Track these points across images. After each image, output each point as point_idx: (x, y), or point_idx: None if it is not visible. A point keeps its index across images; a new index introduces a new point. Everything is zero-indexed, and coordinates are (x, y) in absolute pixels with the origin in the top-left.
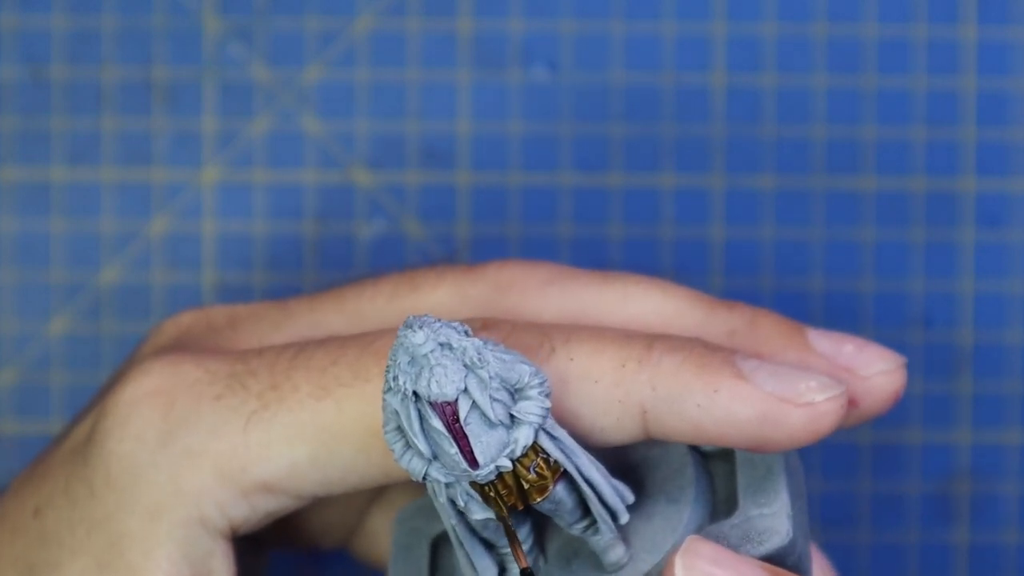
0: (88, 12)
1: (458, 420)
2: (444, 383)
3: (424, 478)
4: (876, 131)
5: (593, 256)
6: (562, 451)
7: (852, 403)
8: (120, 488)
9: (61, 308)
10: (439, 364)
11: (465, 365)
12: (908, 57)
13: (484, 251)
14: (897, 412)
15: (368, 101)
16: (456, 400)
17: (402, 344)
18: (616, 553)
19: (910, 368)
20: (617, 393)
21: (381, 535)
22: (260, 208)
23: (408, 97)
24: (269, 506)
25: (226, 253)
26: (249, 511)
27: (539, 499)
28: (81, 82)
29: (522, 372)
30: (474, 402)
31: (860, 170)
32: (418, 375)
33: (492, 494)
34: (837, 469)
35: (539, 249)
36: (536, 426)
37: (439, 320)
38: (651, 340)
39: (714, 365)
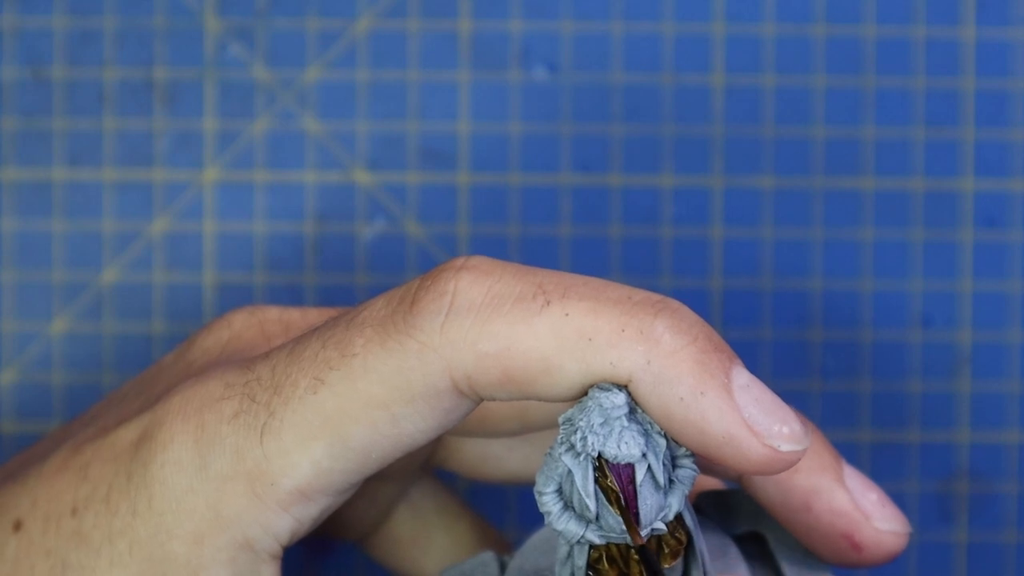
0: (89, 13)
1: (633, 482)
2: (632, 445)
3: (579, 541)
4: (875, 131)
5: (593, 256)
6: (692, 520)
7: (856, 547)
8: (162, 512)
9: (62, 308)
10: (627, 428)
11: (645, 430)
12: (907, 58)
13: (484, 251)
14: (896, 411)
15: (368, 101)
16: (634, 463)
17: (600, 404)
18: None
19: (909, 367)
20: (610, 355)
21: (401, 540)
22: (261, 208)
23: (408, 97)
24: (312, 511)
25: (227, 253)
26: (294, 523)
27: (672, 563)
28: (82, 82)
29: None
30: (649, 466)
31: (859, 170)
32: (607, 436)
33: (604, 566)
34: None
35: (539, 249)
36: (687, 492)
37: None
38: (656, 309)
39: (711, 366)
